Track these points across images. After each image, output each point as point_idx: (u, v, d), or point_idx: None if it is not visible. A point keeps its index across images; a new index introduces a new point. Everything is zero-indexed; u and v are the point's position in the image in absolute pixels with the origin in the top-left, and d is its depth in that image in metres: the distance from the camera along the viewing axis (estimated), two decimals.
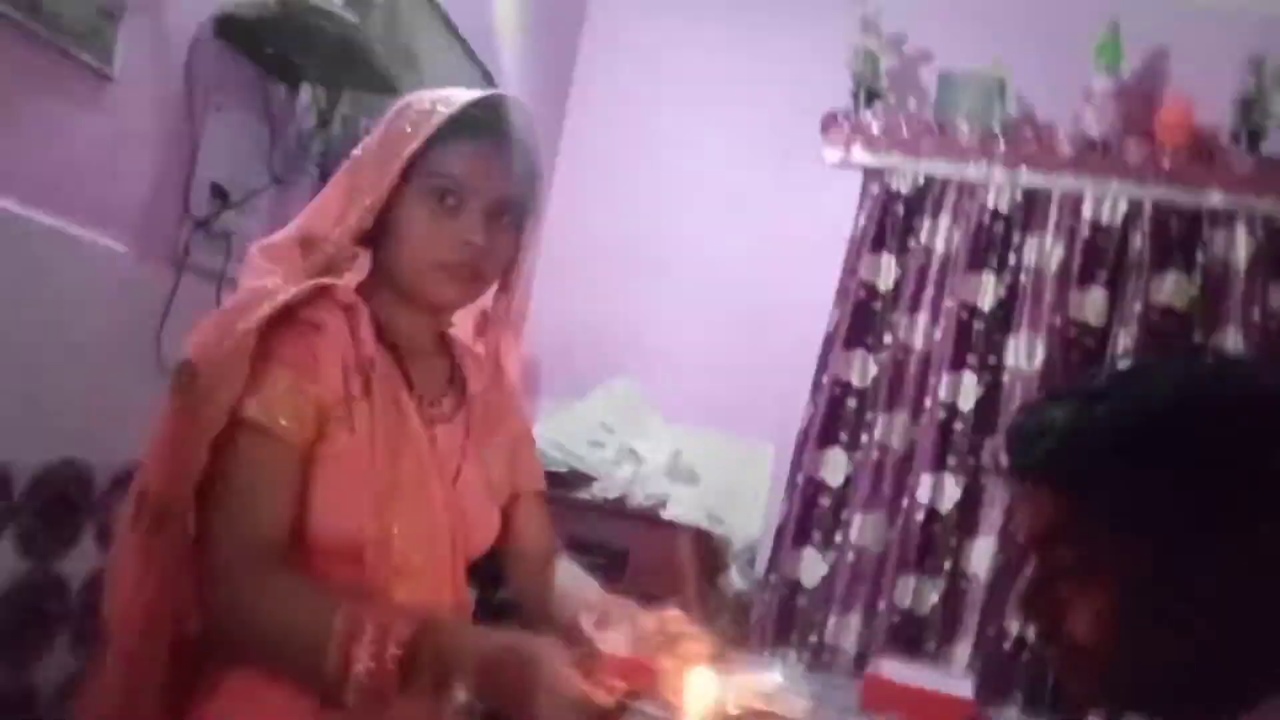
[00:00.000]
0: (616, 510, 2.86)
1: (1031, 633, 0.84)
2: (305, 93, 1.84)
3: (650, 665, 0.95)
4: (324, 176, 2.03)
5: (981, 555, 2.77)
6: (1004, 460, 0.75)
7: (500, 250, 1.12)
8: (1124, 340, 2.74)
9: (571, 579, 1.23)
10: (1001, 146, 2.88)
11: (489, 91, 1.11)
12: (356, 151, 1.13)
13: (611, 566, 2.92)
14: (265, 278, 1.05)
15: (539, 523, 1.28)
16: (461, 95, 1.08)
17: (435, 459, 1.09)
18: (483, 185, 1.08)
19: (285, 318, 1.00)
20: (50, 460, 1.43)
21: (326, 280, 1.04)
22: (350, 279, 1.10)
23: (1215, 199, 2.76)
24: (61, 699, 1.46)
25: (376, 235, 1.09)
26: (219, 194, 1.67)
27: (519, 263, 1.18)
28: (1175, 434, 0.65)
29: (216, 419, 0.95)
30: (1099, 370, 0.65)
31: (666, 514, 2.87)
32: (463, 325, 1.24)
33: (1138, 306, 2.76)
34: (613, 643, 0.98)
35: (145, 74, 1.53)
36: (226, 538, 0.94)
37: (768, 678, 1.03)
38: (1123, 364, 2.54)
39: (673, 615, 1.04)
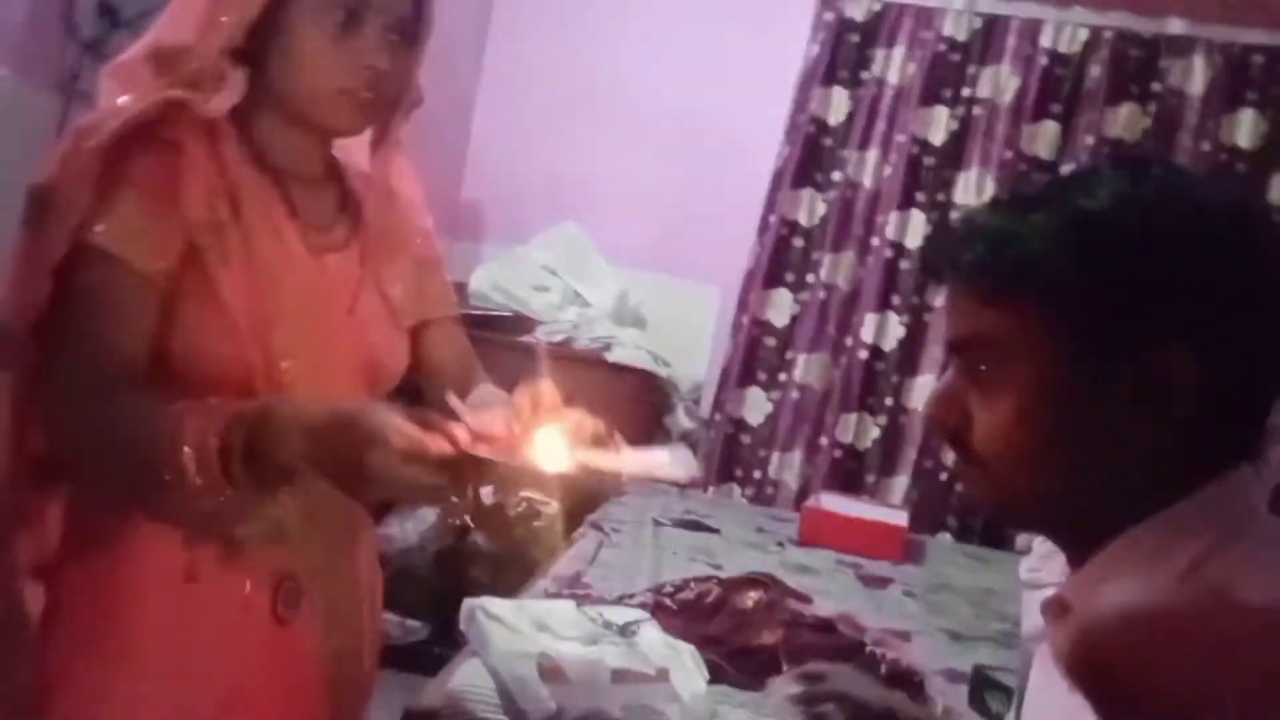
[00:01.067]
0: (562, 353, 2.84)
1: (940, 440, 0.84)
2: None
3: (506, 433, 0.86)
4: None
5: (922, 392, 2.81)
6: (936, 264, 0.71)
7: (402, 71, 1.03)
8: None
9: (489, 395, 1.19)
10: None
11: None
12: None
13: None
14: (114, 99, 0.96)
15: (455, 348, 1.21)
16: None
17: (325, 288, 1.03)
18: (382, 4, 0.98)
19: (138, 137, 0.92)
20: None
21: (179, 94, 0.94)
22: (220, 100, 1.01)
23: (1176, 25, 2.68)
24: None
25: (252, 50, 0.98)
26: (107, 12, 1.53)
27: (413, 82, 1.10)
28: (1102, 245, 0.62)
29: (58, 244, 0.88)
30: (1043, 177, 0.61)
31: (612, 357, 2.87)
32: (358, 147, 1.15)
33: (1089, 140, 2.71)
34: (484, 421, 0.86)
35: None
36: (68, 363, 0.89)
37: (649, 453, 0.93)
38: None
39: (547, 388, 0.92)
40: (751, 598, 1.49)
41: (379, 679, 1.17)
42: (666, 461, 0.90)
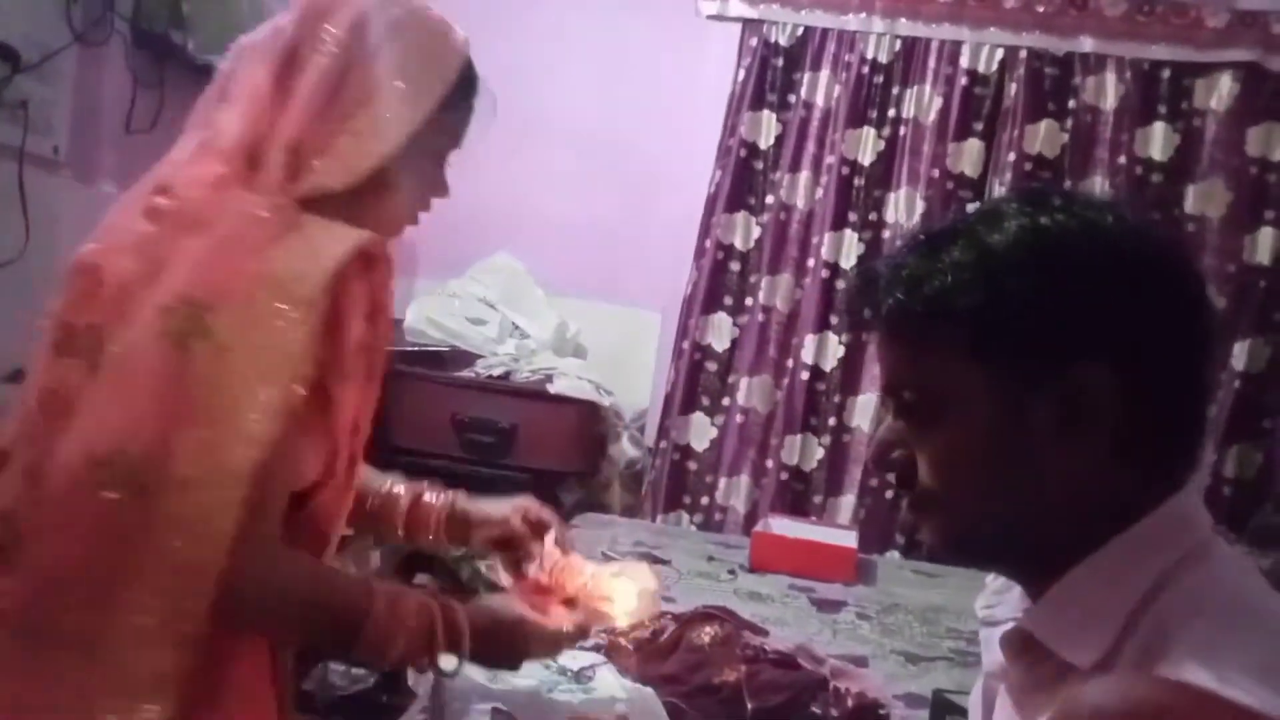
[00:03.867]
0: (502, 387, 2.80)
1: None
2: None
3: (562, 584, 1.17)
4: (138, 36, 1.81)
5: (864, 410, 2.84)
6: (860, 313, 0.71)
7: None
8: (999, 191, 2.76)
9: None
10: None
11: (462, 35, 1.08)
12: (336, 50, 0.92)
13: (500, 444, 2.90)
14: (232, 198, 0.89)
15: None
16: (460, 39, 1.06)
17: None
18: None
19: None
20: None
21: (375, 236, 0.93)
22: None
23: (1087, 44, 2.76)
24: None
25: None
26: (7, 55, 1.47)
27: None
28: (1008, 275, 0.63)
29: (271, 408, 0.83)
30: (953, 213, 0.63)
31: (554, 388, 2.83)
32: None
33: (1012, 156, 2.77)
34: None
35: None
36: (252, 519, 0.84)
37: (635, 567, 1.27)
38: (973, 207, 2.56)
39: (527, 505, 1.18)
40: (708, 633, 1.47)
41: None
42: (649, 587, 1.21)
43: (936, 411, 0.65)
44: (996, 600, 0.74)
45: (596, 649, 1.47)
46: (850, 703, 1.30)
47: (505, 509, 1.21)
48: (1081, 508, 0.63)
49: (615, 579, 1.19)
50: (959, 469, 0.65)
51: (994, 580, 0.75)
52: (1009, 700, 0.66)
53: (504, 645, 1.01)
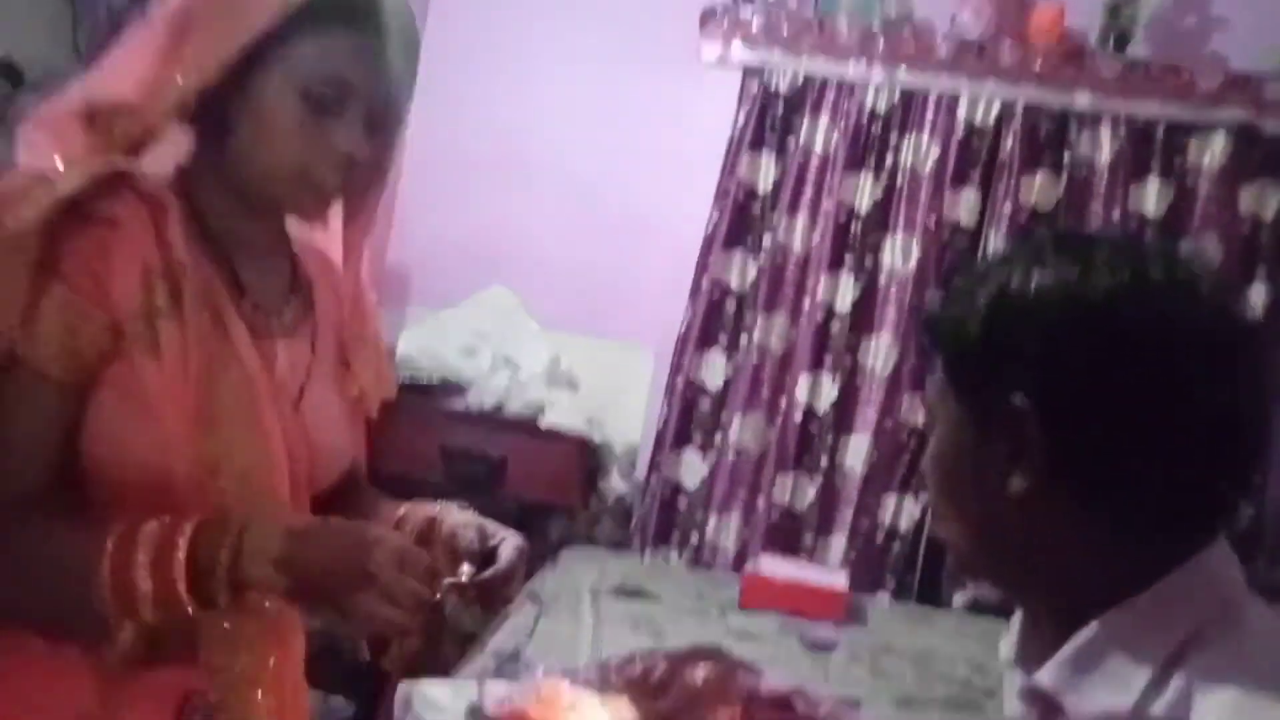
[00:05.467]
0: (493, 419, 2.79)
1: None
2: None
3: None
4: None
5: (857, 451, 2.83)
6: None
7: (375, 163, 0.95)
8: (995, 240, 2.79)
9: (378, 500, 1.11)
10: (880, 45, 2.84)
11: None
12: (174, 1, 0.87)
13: (489, 476, 2.87)
14: (40, 158, 0.85)
15: (360, 439, 1.14)
16: None
17: (270, 380, 0.93)
18: (366, 88, 0.90)
19: (71, 214, 0.82)
20: None
21: (121, 163, 0.84)
22: (161, 166, 0.90)
23: (1083, 100, 2.80)
24: None
25: (204, 112, 0.88)
26: (9, 73, 1.46)
27: (385, 177, 1.01)
28: (986, 315, 0.67)
29: None
30: (1007, 252, 0.68)
31: (545, 422, 2.82)
32: None
33: (1008, 207, 2.80)
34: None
35: None
36: None
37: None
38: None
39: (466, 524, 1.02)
40: (702, 673, 1.45)
41: None
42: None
43: (932, 425, 0.72)
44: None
45: (586, 684, 1.44)
46: None
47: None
48: (1072, 558, 0.64)
49: (595, 710, 1.25)
50: (933, 475, 0.72)
51: (1019, 621, 0.75)
52: None
53: (331, 551, 0.81)
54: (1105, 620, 0.61)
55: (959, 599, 2.79)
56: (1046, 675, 0.62)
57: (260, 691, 0.92)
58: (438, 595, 0.87)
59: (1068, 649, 0.62)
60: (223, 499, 0.86)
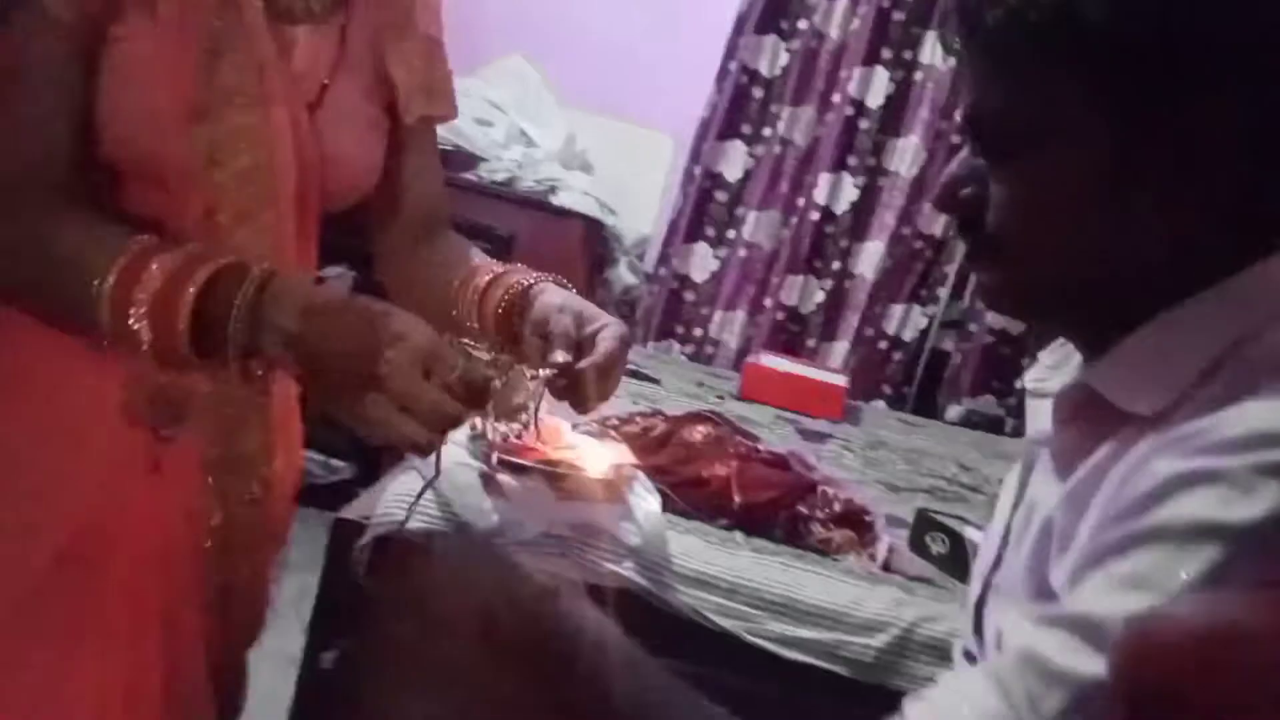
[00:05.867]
0: (504, 193, 2.72)
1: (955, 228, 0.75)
2: None
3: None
4: None
5: (870, 258, 2.78)
6: (952, 28, 0.63)
7: None
8: None
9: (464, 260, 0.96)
10: None
11: None
12: None
13: (496, 252, 2.82)
14: None
15: (430, 174, 0.98)
16: None
17: (285, 69, 0.83)
18: None
19: None
20: None
21: None
22: None
23: None
24: None
25: None
26: None
27: None
28: None
29: None
30: None
31: (556, 200, 2.75)
32: None
33: None
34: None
35: None
36: None
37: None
38: None
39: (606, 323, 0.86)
40: (700, 432, 1.46)
41: (298, 516, 1.00)
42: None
43: (1033, 143, 0.57)
44: (1049, 375, 0.71)
45: (587, 434, 1.45)
46: (837, 507, 1.30)
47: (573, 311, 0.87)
48: (1170, 265, 0.58)
49: (595, 449, 1.20)
50: (1047, 211, 0.58)
51: (1049, 355, 0.72)
52: (1049, 465, 0.64)
53: (348, 337, 0.69)
54: (1164, 319, 0.57)
55: (953, 412, 2.82)
56: (1088, 374, 0.59)
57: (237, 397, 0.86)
58: (476, 419, 0.75)
59: (1118, 349, 0.59)
60: (218, 198, 0.80)
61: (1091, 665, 0.46)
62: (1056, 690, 0.47)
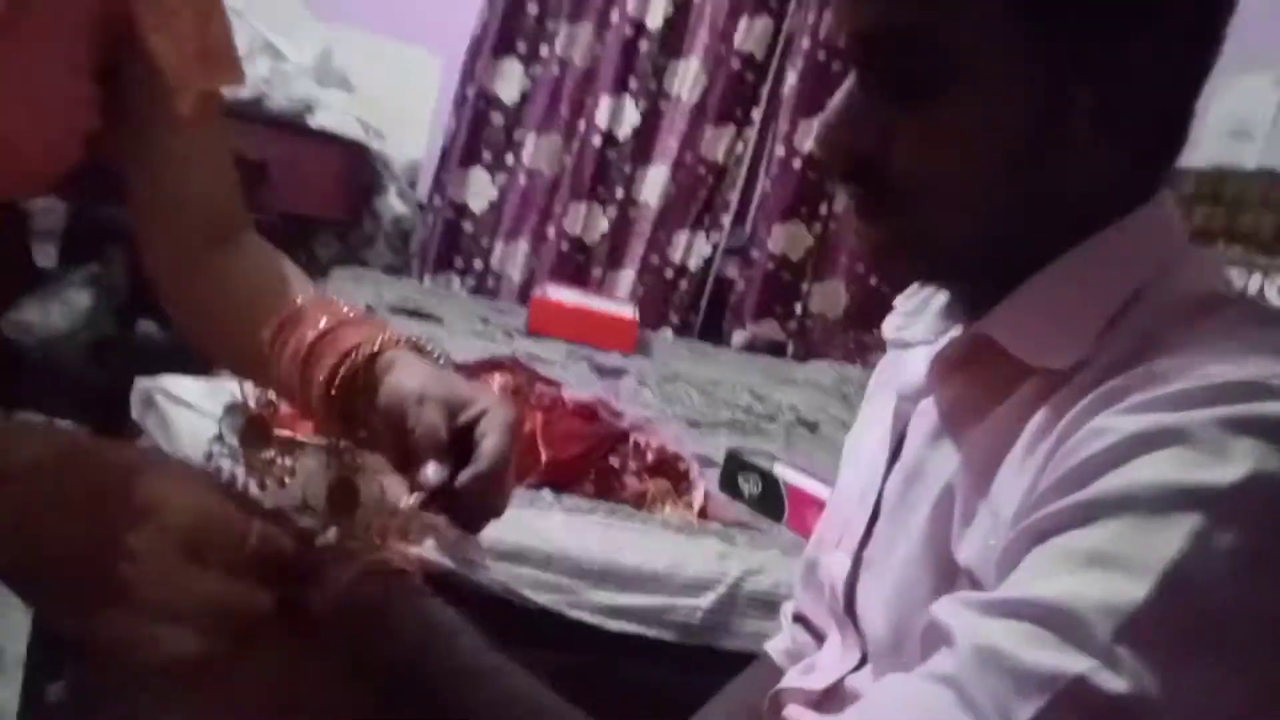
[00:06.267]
0: (251, 114, 2.40)
1: (836, 173, 0.62)
2: None
3: None
4: None
5: (654, 184, 2.72)
6: None
7: None
8: (789, 75, 2.63)
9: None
10: None
11: None
12: None
13: (248, 181, 2.52)
14: None
15: (209, 157, 0.75)
16: None
17: None
18: None
19: None
20: None
21: None
22: None
23: None
24: None
25: None
26: None
27: None
28: None
29: None
30: None
31: (314, 122, 2.47)
32: None
33: (805, 42, 2.62)
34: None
35: None
36: None
37: None
38: None
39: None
40: (497, 381, 1.34)
41: None
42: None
43: (946, 82, 0.49)
44: (908, 322, 0.64)
45: None
46: (650, 457, 1.23)
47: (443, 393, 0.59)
48: (1080, 209, 0.52)
49: None
50: (964, 160, 0.51)
51: (905, 301, 0.65)
52: (933, 417, 0.57)
53: (67, 507, 0.43)
54: (1057, 267, 0.52)
55: (738, 338, 2.84)
56: (988, 324, 0.53)
57: None
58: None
59: (1013, 298, 0.52)
60: None
61: (1067, 660, 0.38)
62: (1032, 694, 0.38)
